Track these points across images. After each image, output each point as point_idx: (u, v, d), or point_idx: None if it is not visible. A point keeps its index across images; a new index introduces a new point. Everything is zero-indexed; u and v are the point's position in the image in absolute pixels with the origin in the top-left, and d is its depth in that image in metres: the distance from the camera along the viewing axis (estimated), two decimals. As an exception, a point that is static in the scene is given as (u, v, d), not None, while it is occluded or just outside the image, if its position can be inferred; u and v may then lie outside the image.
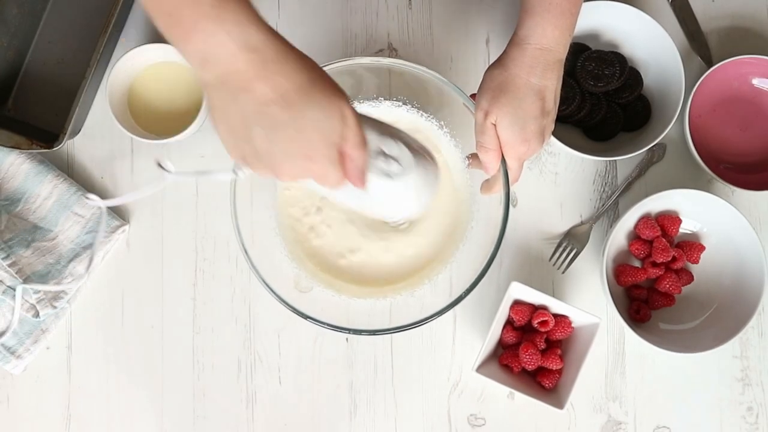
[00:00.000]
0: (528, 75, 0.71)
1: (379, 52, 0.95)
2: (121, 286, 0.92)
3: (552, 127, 0.75)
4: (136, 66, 0.90)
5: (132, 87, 0.91)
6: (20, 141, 0.86)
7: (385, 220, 0.86)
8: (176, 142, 0.89)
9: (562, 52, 0.72)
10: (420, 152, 0.67)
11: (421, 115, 0.89)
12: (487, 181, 0.80)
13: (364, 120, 0.63)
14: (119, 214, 0.92)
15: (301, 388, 0.91)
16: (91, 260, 0.88)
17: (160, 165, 0.65)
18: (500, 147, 0.74)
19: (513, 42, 0.73)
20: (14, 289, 0.86)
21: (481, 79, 0.75)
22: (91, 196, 0.77)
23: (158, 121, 0.91)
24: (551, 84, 0.72)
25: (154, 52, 0.90)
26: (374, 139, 0.64)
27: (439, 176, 0.70)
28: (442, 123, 0.88)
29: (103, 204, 0.75)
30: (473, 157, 0.84)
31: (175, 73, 0.91)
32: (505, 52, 0.74)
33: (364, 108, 0.89)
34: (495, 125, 0.73)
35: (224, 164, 0.67)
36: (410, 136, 0.68)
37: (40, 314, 0.87)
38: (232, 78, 0.54)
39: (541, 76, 0.71)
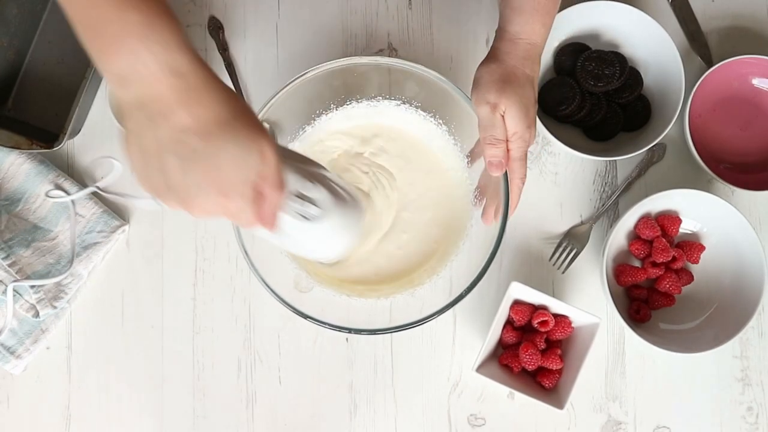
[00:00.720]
0: (523, 66, 0.75)
1: (379, 52, 0.95)
2: (121, 286, 0.92)
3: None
4: None
5: None
6: (20, 141, 0.86)
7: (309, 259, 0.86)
8: None
9: (543, 47, 0.77)
10: (342, 195, 0.67)
11: (421, 114, 0.89)
12: (488, 203, 0.82)
13: (286, 159, 0.61)
14: (119, 213, 0.92)
15: (301, 388, 0.91)
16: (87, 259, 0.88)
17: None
18: (506, 140, 0.75)
19: (503, 38, 0.76)
20: (15, 291, 0.86)
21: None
22: (54, 192, 0.76)
23: None
24: (537, 75, 0.77)
25: None
26: (293, 181, 0.62)
27: (362, 219, 0.70)
28: (441, 122, 0.88)
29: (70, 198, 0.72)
30: (472, 154, 0.84)
31: None
32: (495, 47, 0.77)
33: (362, 109, 0.89)
34: (504, 117, 0.74)
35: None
36: (335, 177, 0.68)
37: (40, 314, 0.87)
38: (151, 101, 0.51)
39: (531, 68, 0.75)
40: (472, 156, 0.85)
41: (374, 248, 0.90)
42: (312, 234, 0.65)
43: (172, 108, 0.51)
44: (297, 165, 0.64)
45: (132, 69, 0.50)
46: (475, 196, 0.86)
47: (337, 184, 0.68)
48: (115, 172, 0.65)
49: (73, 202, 0.89)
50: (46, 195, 0.87)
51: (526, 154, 0.77)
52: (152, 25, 0.50)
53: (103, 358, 0.91)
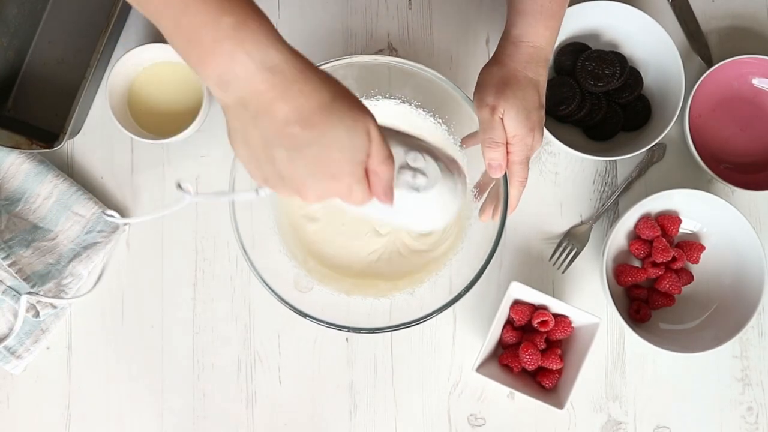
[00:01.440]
0: (525, 70, 0.74)
1: (379, 52, 0.95)
2: (121, 286, 0.92)
3: (544, 119, 0.77)
4: (136, 66, 0.90)
5: (132, 87, 0.91)
6: (20, 141, 0.86)
7: (412, 232, 0.87)
8: (176, 142, 0.89)
9: (550, 52, 0.77)
10: (446, 163, 0.67)
11: (420, 113, 0.89)
12: (486, 201, 0.81)
13: (388, 134, 0.63)
14: (120, 213, 0.92)
15: (301, 388, 0.91)
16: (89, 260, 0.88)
17: (179, 186, 0.64)
18: (506, 143, 0.75)
19: (507, 40, 0.76)
20: (15, 290, 0.86)
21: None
22: (110, 212, 0.77)
23: (158, 120, 0.91)
24: (543, 79, 0.75)
25: (154, 51, 0.90)
26: (400, 153, 0.63)
27: (465, 185, 0.69)
28: (440, 121, 0.88)
29: (124, 222, 0.73)
30: (480, 184, 0.84)
31: (175, 72, 0.91)
32: (498, 50, 0.77)
33: (387, 110, 0.89)
34: (503, 119, 0.74)
35: (244, 184, 0.67)
36: (436, 147, 0.68)
37: (40, 314, 0.87)
38: (252, 99, 0.53)
39: (535, 72, 0.74)
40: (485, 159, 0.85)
41: (375, 247, 0.90)
42: (422, 204, 0.65)
43: (273, 103, 0.53)
44: (400, 137, 0.65)
45: (230, 71, 0.52)
46: (475, 194, 0.86)
47: (440, 151, 0.68)
48: (182, 201, 0.65)
49: (122, 224, 0.91)
50: (104, 214, 0.84)
51: (527, 159, 0.76)
52: (245, 26, 0.51)
53: (103, 358, 0.91)
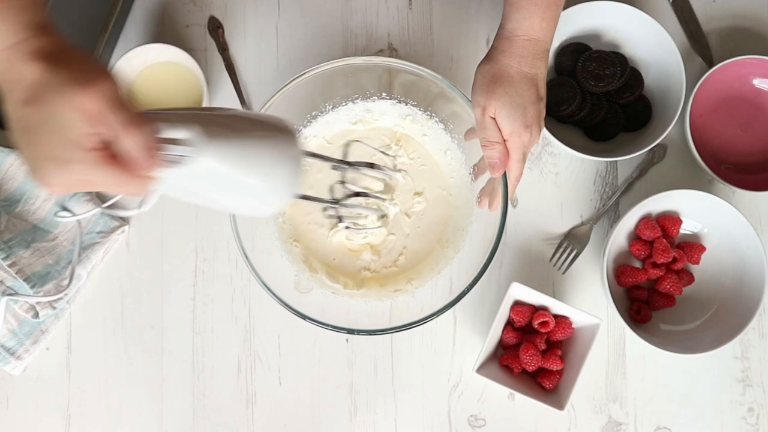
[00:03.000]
0: (519, 64, 0.73)
1: (379, 53, 0.95)
2: (121, 286, 0.92)
3: (544, 112, 0.76)
4: (136, 66, 0.90)
5: (131, 87, 0.91)
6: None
7: (250, 215, 0.79)
8: None
9: (549, 42, 0.75)
10: (237, 126, 0.56)
11: (420, 114, 0.89)
12: (484, 190, 0.81)
13: (161, 114, 0.54)
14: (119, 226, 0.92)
15: (301, 388, 0.91)
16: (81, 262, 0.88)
17: (64, 209, 0.63)
18: (504, 141, 0.74)
19: (500, 35, 0.75)
20: (14, 290, 0.86)
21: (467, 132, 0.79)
22: (62, 213, 0.78)
23: None
24: (541, 72, 0.74)
25: (154, 52, 0.89)
26: (161, 129, 0.52)
27: (287, 150, 0.58)
28: (440, 121, 0.88)
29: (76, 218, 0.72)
30: (478, 165, 0.84)
31: (175, 72, 0.91)
32: (493, 46, 0.76)
33: (361, 109, 0.89)
34: (495, 118, 0.73)
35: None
36: (236, 111, 0.60)
37: (40, 315, 0.87)
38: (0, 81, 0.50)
39: (531, 65, 0.73)
40: (477, 166, 0.85)
41: (376, 247, 0.90)
42: (207, 180, 0.54)
43: (8, 86, 0.50)
44: (163, 113, 0.54)
45: None
46: (471, 175, 0.85)
47: (234, 115, 0.59)
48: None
49: (79, 221, 0.89)
50: (55, 216, 0.87)
51: (524, 155, 0.75)
52: None
53: (103, 358, 0.91)
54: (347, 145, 0.78)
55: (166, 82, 0.91)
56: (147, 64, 0.91)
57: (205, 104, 0.87)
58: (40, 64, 0.50)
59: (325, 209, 0.75)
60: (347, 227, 0.82)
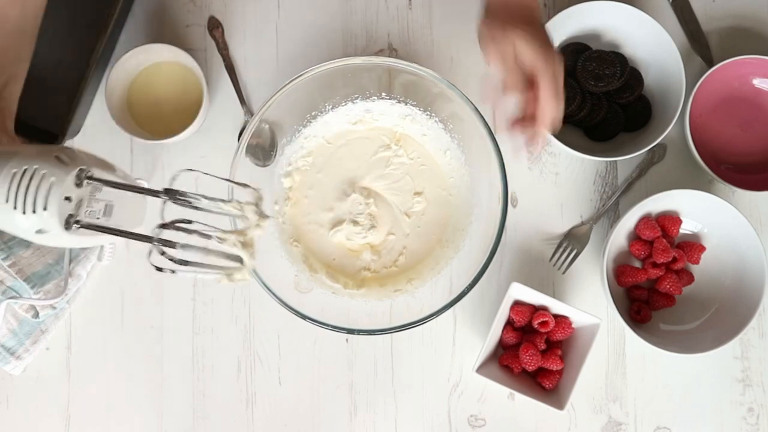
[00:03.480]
0: (520, 10, 0.72)
1: (379, 52, 0.95)
2: (121, 286, 0.92)
3: (554, 43, 0.74)
4: (136, 66, 0.90)
5: (131, 87, 0.91)
6: (20, 141, 0.86)
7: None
8: (176, 142, 0.89)
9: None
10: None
11: (420, 114, 0.89)
12: (522, 125, 0.72)
13: None
14: None
15: (301, 388, 0.91)
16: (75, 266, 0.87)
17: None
18: (526, 80, 0.70)
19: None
20: (14, 290, 0.86)
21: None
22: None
23: (158, 121, 0.91)
24: (535, 5, 0.74)
25: (154, 52, 0.89)
26: None
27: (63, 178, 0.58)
28: (440, 121, 0.88)
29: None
30: (515, 121, 0.74)
31: (175, 73, 0.91)
32: (485, 8, 0.75)
33: (361, 109, 0.89)
34: (515, 55, 0.69)
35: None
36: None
37: (40, 315, 0.87)
38: None
39: (529, 20, 0.72)
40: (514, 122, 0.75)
41: (376, 247, 0.90)
42: None
43: None
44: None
45: None
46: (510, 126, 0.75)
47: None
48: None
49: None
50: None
51: (559, 88, 0.70)
52: None
53: (102, 358, 0.91)
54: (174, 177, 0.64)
55: (166, 82, 0.91)
56: (147, 64, 0.91)
57: (204, 104, 0.87)
58: None
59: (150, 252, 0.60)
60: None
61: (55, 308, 0.88)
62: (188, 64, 0.89)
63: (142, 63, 0.90)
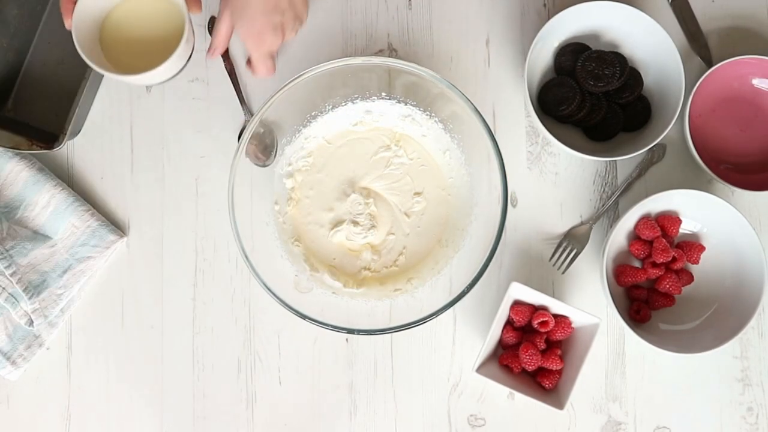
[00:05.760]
0: None
1: (379, 53, 0.95)
2: (121, 286, 0.92)
3: (296, 26, 0.82)
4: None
5: (104, 21, 0.79)
6: (20, 141, 0.86)
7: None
8: (152, 82, 0.79)
9: None
10: None
11: (420, 114, 0.89)
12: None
13: None
14: (119, 226, 0.92)
15: (301, 388, 0.91)
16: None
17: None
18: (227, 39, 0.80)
19: None
20: (15, 297, 0.86)
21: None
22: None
23: (133, 57, 0.78)
24: None
25: None
26: None
27: None
28: (439, 121, 0.88)
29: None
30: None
31: (151, 5, 0.79)
32: None
33: (361, 109, 0.89)
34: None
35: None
36: None
37: (34, 323, 0.87)
38: None
39: None
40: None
41: (376, 247, 0.90)
42: None
43: None
44: None
45: None
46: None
47: None
48: None
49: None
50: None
51: (265, 55, 0.79)
52: None
53: (103, 358, 0.91)
54: None
55: (141, 15, 0.79)
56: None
57: (185, 37, 0.75)
58: None
59: None
60: None
61: (47, 317, 0.88)
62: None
63: None
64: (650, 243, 0.90)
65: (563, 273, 0.92)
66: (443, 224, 0.90)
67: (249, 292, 0.92)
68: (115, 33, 0.79)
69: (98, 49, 0.78)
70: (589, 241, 0.92)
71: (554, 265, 0.92)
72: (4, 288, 0.86)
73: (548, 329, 0.86)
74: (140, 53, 0.78)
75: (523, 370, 0.88)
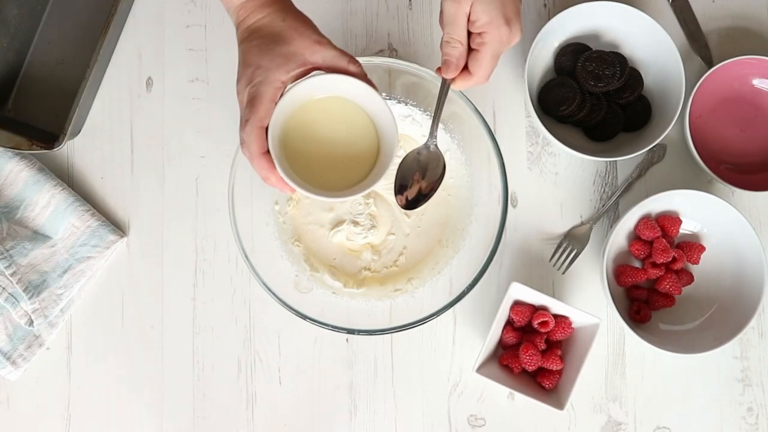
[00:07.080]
0: None
1: (379, 53, 0.95)
2: (121, 286, 0.92)
3: (520, 8, 0.69)
4: (303, 98, 0.68)
5: (286, 124, 0.68)
6: (20, 141, 0.86)
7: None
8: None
9: None
10: None
11: (420, 114, 0.89)
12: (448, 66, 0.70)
13: None
14: (119, 226, 0.92)
15: (301, 388, 0.91)
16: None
17: None
18: (467, 44, 0.68)
19: None
20: (15, 297, 0.86)
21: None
22: None
23: (317, 169, 0.69)
24: None
25: (329, 81, 0.67)
26: None
27: None
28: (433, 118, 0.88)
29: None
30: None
31: (342, 111, 0.69)
32: None
33: None
34: (468, 14, 0.67)
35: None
36: None
37: (34, 323, 0.87)
38: None
39: None
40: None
41: (376, 247, 0.90)
42: None
43: None
44: None
45: None
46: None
47: None
48: None
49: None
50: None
51: (499, 53, 0.68)
52: None
53: (103, 359, 0.91)
54: None
55: (331, 121, 0.69)
56: (314, 97, 0.68)
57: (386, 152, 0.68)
58: None
59: None
60: None
61: (47, 317, 0.88)
62: (366, 105, 0.68)
63: (306, 96, 0.68)
64: (650, 243, 0.90)
65: (563, 273, 0.92)
66: (443, 224, 0.90)
67: (249, 292, 0.92)
68: (299, 143, 0.69)
69: (286, 164, 0.67)
70: (590, 241, 0.92)
71: (554, 265, 0.92)
72: (4, 288, 0.86)
73: (548, 329, 0.86)
74: (326, 160, 0.69)
75: (523, 371, 0.88)
